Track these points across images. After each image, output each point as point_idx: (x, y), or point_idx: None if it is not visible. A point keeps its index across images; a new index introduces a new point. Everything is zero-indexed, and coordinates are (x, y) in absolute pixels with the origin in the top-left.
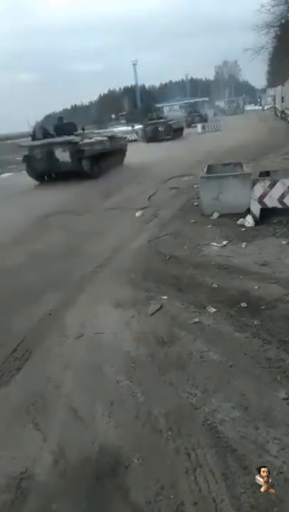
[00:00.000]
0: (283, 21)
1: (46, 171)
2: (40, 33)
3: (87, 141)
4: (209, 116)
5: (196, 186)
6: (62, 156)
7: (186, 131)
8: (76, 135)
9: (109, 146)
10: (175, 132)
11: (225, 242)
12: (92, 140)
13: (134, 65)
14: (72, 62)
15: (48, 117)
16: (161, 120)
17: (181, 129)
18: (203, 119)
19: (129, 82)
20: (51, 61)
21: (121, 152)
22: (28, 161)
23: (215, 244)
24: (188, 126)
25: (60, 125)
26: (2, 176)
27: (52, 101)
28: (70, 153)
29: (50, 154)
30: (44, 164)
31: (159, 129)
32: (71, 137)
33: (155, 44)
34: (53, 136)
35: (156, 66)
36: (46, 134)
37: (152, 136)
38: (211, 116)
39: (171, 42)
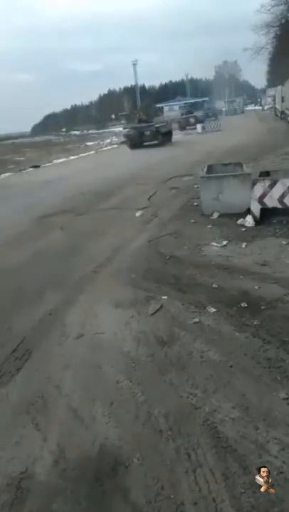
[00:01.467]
0: (283, 21)
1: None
2: (39, 34)
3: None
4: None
5: (196, 186)
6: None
7: (177, 136)
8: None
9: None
10: (163, 136)
11: (225, 242)
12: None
13: (134, 65)
14: (72, 63)
15: (47, 117)
16: (150, 123)
17: (170, 132)
18: (200, 120)
19: (129, 82)
20: (50, 61)
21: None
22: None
23: (215, 244)
24: (183, 128)
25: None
26: (2, 176)
27: (51, 101)
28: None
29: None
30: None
31: (145, 133)
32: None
33: (155, 44)
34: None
35: (156, 66)
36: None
37: (137, 143)
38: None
39: (171, 42)
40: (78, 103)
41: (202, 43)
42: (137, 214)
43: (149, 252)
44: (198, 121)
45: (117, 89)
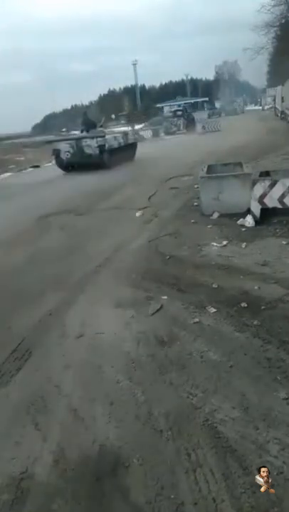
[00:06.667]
0: (283, 21)
1: None
2: (38, 34)
3: None
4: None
5: (196, 186)
6: None
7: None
8: None
9: None
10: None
11: (225, 242)
12: None
13: (134, 65)
14: (72, 63)
15: (48, 117)
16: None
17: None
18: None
19: (130, 82)
20: (50, 62)
21: None
22: None
23: (215, 244)
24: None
25: None
26: (2, 176)
27: (51, 101)
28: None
29: None
30: None
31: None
32: None
33: (155, 44)
34: None
35: (156, 66)
36: None
37: None
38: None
39: (171, 42)
40: (78, 103)
41: (202, 43)
42: (137, 214)
43: (149, 252)
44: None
45: (117, 90)
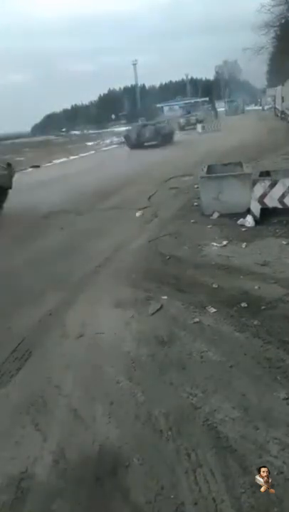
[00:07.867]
0: (283, 21)
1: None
2: (37, 34)
3: None
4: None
5: (196, 186)
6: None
7: None
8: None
9: None
10: None
11: (225, 242)
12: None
13: (134, 65)
14: (72, 63)
15: (48, 117)
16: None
17: None
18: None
19: (130, 82)
20: (50, 62)
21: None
22: None
23: (215, 244)
24: None
25: None
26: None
27: (52, 101)
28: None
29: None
30: None
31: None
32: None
33: (155, 44)
34: None
35: (156, 66)
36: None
37: None
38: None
39: (171, 42)
40: (78, 103)
41: (202, 43)
42: (137, 214)
43: (149, 252)
44: None
45: (117, 89)
